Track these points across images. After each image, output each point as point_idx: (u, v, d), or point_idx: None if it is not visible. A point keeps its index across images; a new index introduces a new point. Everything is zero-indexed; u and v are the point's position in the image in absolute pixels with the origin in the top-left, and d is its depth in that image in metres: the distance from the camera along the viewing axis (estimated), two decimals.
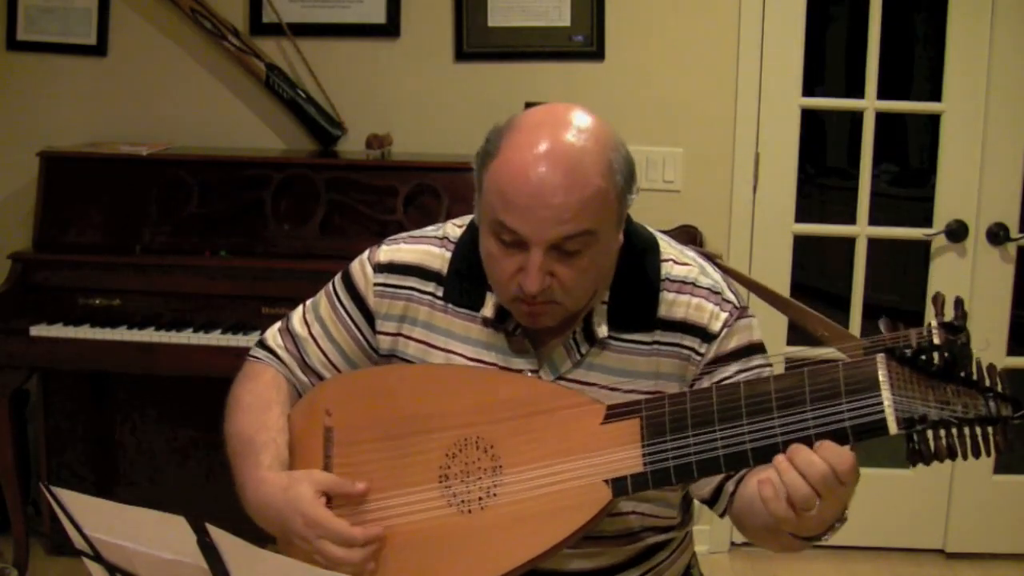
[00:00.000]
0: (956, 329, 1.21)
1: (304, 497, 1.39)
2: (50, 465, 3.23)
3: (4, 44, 3.34)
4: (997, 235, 3.24)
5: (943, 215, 3.27)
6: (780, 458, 1.22)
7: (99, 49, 3.32)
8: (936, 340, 1.20)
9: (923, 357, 1.21)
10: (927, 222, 3.31)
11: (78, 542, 1.24)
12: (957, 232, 3.25)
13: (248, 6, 3.29)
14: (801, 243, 3.43)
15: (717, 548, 3.42)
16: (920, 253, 3.46)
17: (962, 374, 1.20)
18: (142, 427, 3.27)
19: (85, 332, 2.81)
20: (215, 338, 2.79)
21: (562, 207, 1.33)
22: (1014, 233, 3.25)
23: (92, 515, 1.21)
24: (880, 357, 1.22)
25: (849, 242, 3.37)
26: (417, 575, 1.38)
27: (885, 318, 1.26)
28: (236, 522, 1.37)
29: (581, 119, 1.39)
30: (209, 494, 3.21)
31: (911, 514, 3.40)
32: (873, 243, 3.34)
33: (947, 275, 3.28)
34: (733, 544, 3.44)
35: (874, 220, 3.33)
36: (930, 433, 1.18)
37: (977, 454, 1.19)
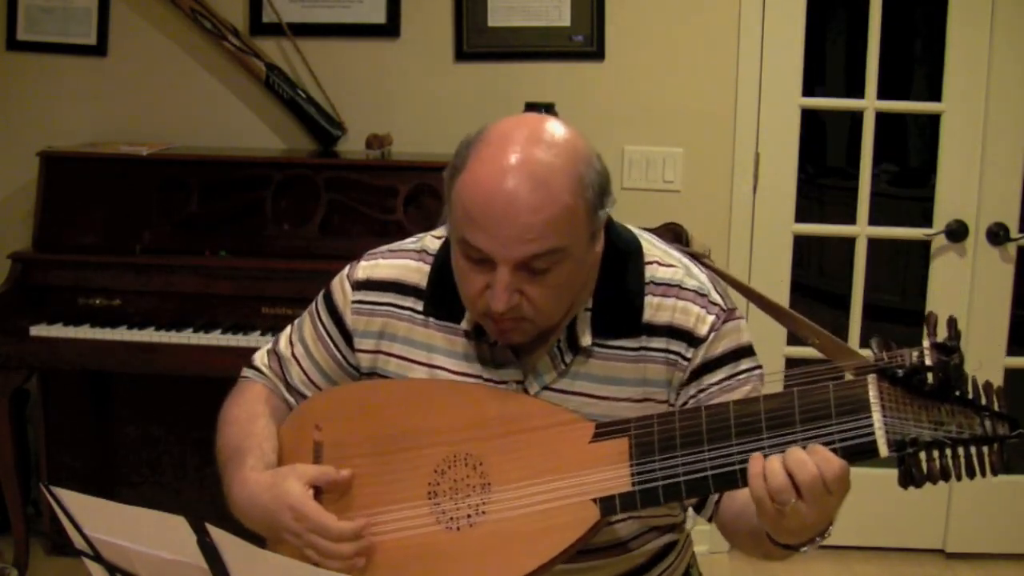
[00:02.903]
0: (949, 350, 1.19)
1: (292, 491, 1.39)
2: (50, 465, 3.23)
3: (4, 44, 3.34)
4: (997, 235, 3.24)
5: (943, 215, 3.27)
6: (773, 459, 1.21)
7: (99, 49, 3.32)
8: (928, 361, 1.19)
9: (916, 378, 1.19)
10: (927, 222, 3.31)
11: (78, 542, 1.24)
12: (957, 232, 3.25)
13: (248, 6, 3.29)
14: (801, 243, 3.43)
15: (717, 548, 3.41)
16: (920, 253, 3.46)
17: (957, 393, 1.18)
18: (142, 427, 3.26)
19: (85, 332, 2.81)
20: (215, 338, 2.79)
21: (527, 226, 1.29)
22: (1014, 233, 3.24)
23: (92, 515, 1.21)
24: (871, 378, 1.20)
25: (849, 242, 3.37)
26: None
27: (877, 338, 1.24)
28: (236, 522, 1.37)
29: (552, 132, 1.34)
30: (209, 494, 3.22)
31: (911, 514, 3.40)
32: (873, 243, 3.34)
33: (947, 275, 3.28)
34: None
35: (874, 220, 3.33)
36: (923, 455, 1.16)
37: (972, 475, 1.17)
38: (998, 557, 3.37)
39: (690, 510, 1.64)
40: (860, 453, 1.19)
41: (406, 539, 1.39)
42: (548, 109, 2.91)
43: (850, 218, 3.38)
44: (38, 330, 2.81)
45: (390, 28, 3.28)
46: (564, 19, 3.24)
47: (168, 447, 3.26)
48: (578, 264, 1.37)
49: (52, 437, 3.23)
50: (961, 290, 3.27)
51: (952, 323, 1.21)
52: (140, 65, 3.34)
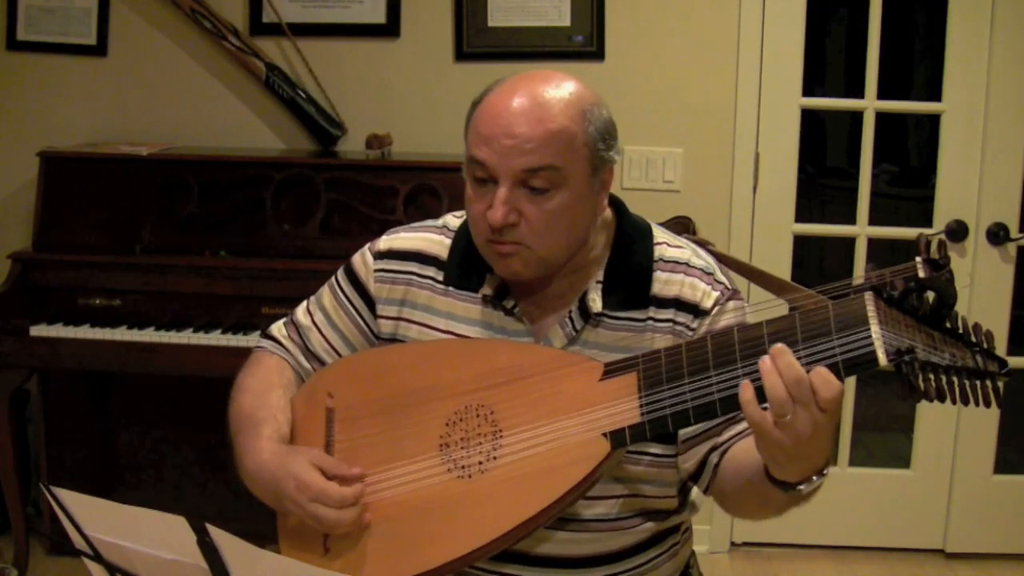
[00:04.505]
0: (939, 265, 1.23)
1: (298, 462, 1.42)
2: (50, 465, 3.23)
3: (4, 44, 3.34)
4: (997, 235, 3.24)
5: (943, 215, 3.27)
6: (764, 359, 1.22)
7: (99, 49, 3.32)
8: (921, 274, 1.23)
9: (910, 300, 1.22)
10: (927, 222, 3.31)
11: (78, 542, 1.24)
12: (957, 232, 3.25)
13: (248, 6, 3.29)
14: (801, 243, 3.43)
15: (717, 548, 3.42)
16: None
17: (948, 325, 1.22)
18: (142, 427, 3.27)
19: (85, 332, 2.81)
20: (215, 338, 2.79)
21: (525, 137, 1.39)
22: (1014, 233, 3.25)
23: (92, 515, 1.21)
24: (868, 295, 1.23)
25: (849, 242, 3.37)
26: (417, 541, 1.39)
27: (871, 263, 1.29)
28: (236, 522, 1.37)
29: (565, 79, 1.47)
30: (209, 494, 3.22)
31: (911, 514, 3.41)
32: (873, 243, 3.34)
33: None
34: (733, 544, 3.44)
35: (874, 220, 3.33)
36: (919, 372, 1.18)
37: (966, 402, 1.19)
38: (998, 557, 3.37)
39: (690, 496, 1.64)
40: (861, 364, 1.21)
41: (418, 491, 1.41)
42: None
43: (850, 218, 3.38)
44: (38, 330, 2.81)
45: (390, 28, 3.28)
46: (564, 19, 3.25)
47: (168, 447, 3.27)
48: (578, 198, 1.43)
49: (52, 437, 3.23)
50: (961, 290, 3.26)
51: (942, 245, 1.26)
52: (140, 65, 3.34)
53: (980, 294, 3.27)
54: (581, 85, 1.47)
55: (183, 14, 3.22)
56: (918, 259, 1.24)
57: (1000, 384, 1.20)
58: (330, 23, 3.28)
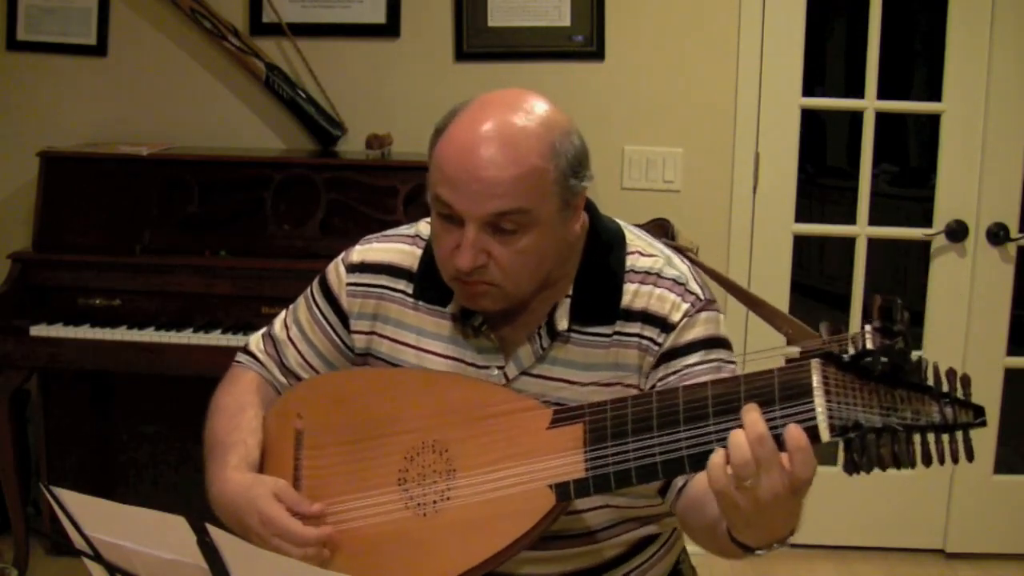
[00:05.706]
0: (892, 333, 1.14)
1: (262, 496, 1.41)
2: (50, 465, 3.23)
3: (4, 44, 3.34)
4: (997, 235, 3.24)
5: (943, 215, 3.27)
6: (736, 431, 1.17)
7: (99, 49, 3.32)
8: (870, 345, 1.15)
9: (865, 361, 1.15)
10: (927, 222, 3.31)
11: (78, 542, 1.24)
12: (957, 232, 3.25)
13: (248, 6, 3.29)
14: (801, 243, 3.43)
15: None
16: (920, 253, 3.46)
17: (914, 380, 1.14)
18: (142, 427, 3.27)
19: (85, 332, 2.81)
20: (215, 338, 2.79)
21: (493, 182, 1.34)
22: (1014, 233, 3.24)
23: (92, 515, 1.21)
24: (815, 363, 1.17)
25: (849, 242, 3.37)
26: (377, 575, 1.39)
27: (826, 323, 1.22)
28: None
29: (533, 103, 1.40)
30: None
31: (911, 514, 3.40)
32: (873, 243, 3.34)
33: (947, 275, 3.28)
34: None
35: (874, 220, 3.33)
36: (872, 439, 1.13)
37: (928, 462, 1.13)
38: (998, 557, 3.37)
39: None
40: None
41: (375, 525, 1.41)
42: None
43: (850, 218, 3.38)
44: (38, 330, 2.81)
45: (390, 28, 3.28)
46: (564, 19, 3.24)
47: (168, 447, 3.26)
48: (548, 233, 1.39)
49: (52, 437, 3.23)
50: (961, 290, 3.27)
51: (897, 307, 1.17)
52: (140, 65, 3.33)
53: (980, 294, 3.27)
54: (551, 109, 1.41)
55: (183, 14, 3.22)
56: (867, 327, 1.16)
57: (971, 434, 1.12)
58: (330, 23, 3.28)
